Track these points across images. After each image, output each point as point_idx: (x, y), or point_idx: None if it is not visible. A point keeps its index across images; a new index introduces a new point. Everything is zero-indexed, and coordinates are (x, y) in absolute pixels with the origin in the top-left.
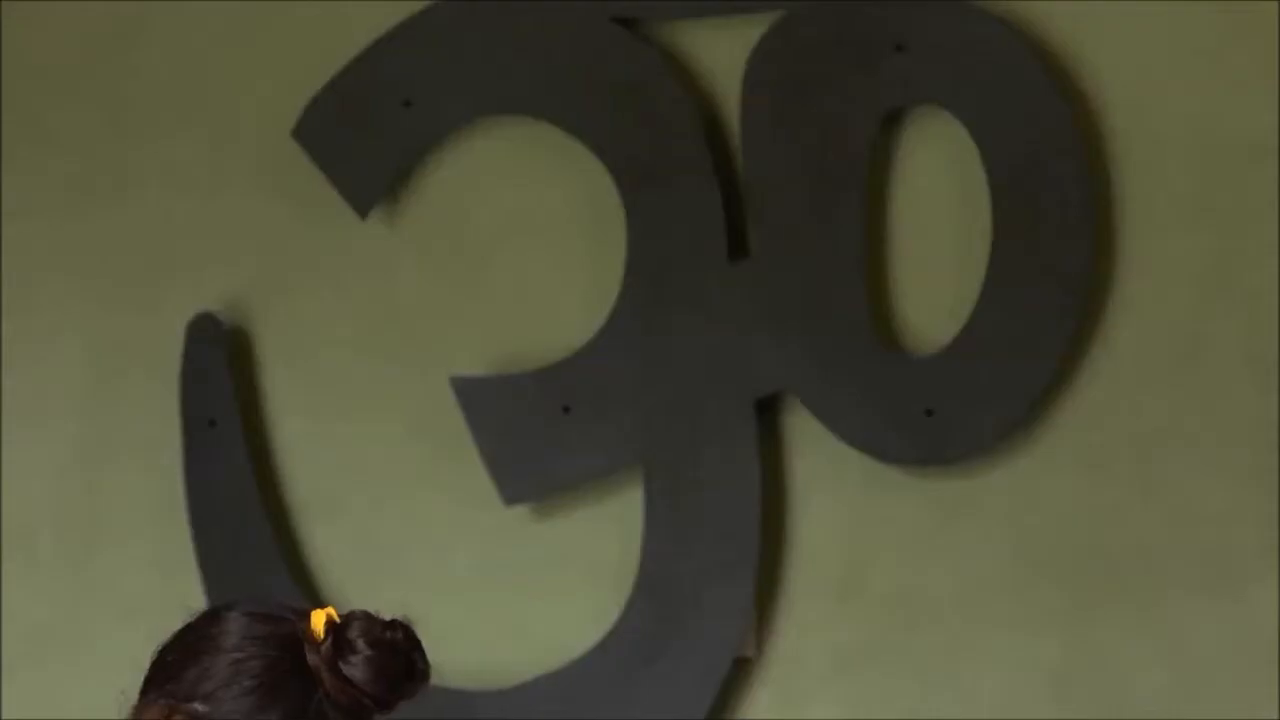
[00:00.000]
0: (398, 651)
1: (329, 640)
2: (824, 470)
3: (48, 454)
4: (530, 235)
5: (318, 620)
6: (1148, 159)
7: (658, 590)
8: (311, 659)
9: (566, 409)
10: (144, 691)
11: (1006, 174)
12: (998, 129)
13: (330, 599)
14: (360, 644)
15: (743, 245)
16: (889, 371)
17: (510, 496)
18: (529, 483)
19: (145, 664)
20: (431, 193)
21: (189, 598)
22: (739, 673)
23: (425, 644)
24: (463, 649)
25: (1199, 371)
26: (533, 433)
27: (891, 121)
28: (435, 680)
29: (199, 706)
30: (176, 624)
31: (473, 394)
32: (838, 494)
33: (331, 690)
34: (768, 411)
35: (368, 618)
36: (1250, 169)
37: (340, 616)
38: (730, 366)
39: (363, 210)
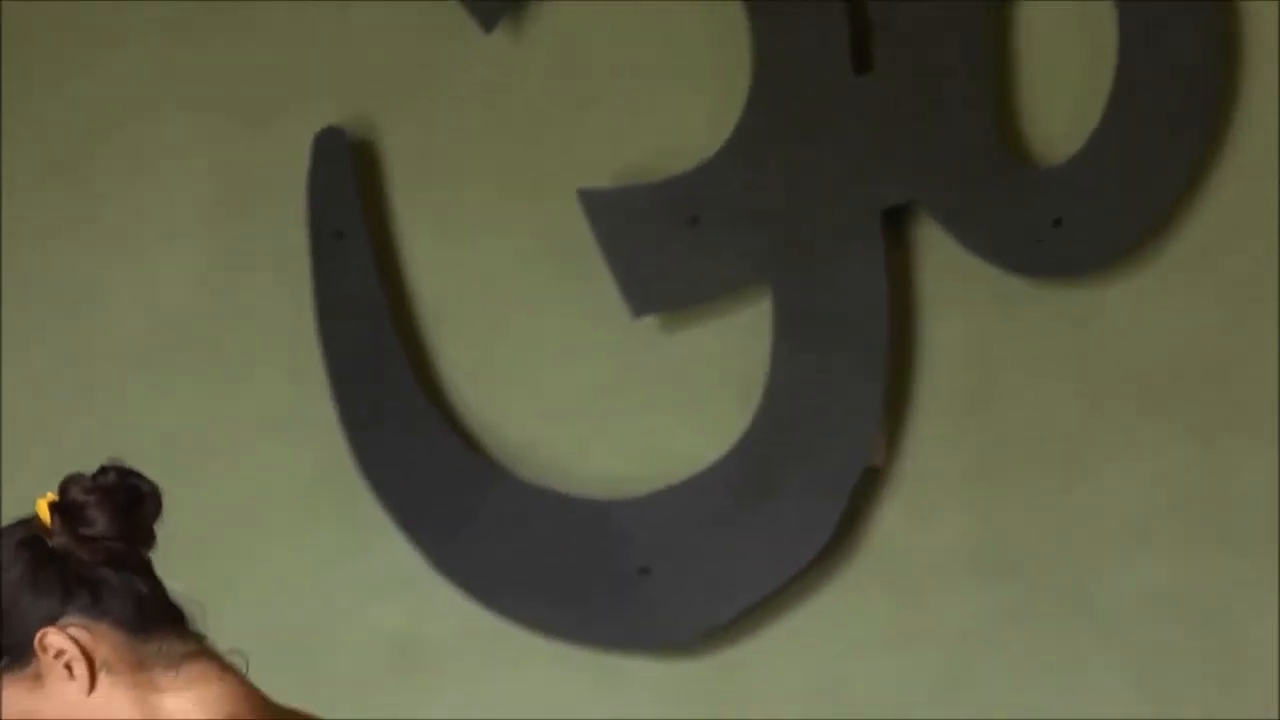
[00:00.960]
0: (116, 488)
1: (57, 517)
2: (951, 281)
3: (177, 271)
4: (656, 47)
5: (41, 508)
6: None
7: (786, 401)
8: (55, 542)
9: (694, 220)
10: None
11: None
12: None
13: (457, 410)
14: (81, 499)
15: (868, 57)
16: (1016, 182)
17: (638, 308)
18: (657, 295)
19: (278, 475)
20: (557, 5)
21: (320, 410)
22: (868, 483)
23: (556, 454)
24: (592, 460)
25: None
26: (660, 245)
27: None
28: (568, 490)
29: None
30: (308, 434)
31: (599, 206)
32: (965, 305)
33: (86, 556)
34: (895, 223)
35: (79, 477)
36: None
37: (57, 492)
38: (856, 178)
39: (488, 24)
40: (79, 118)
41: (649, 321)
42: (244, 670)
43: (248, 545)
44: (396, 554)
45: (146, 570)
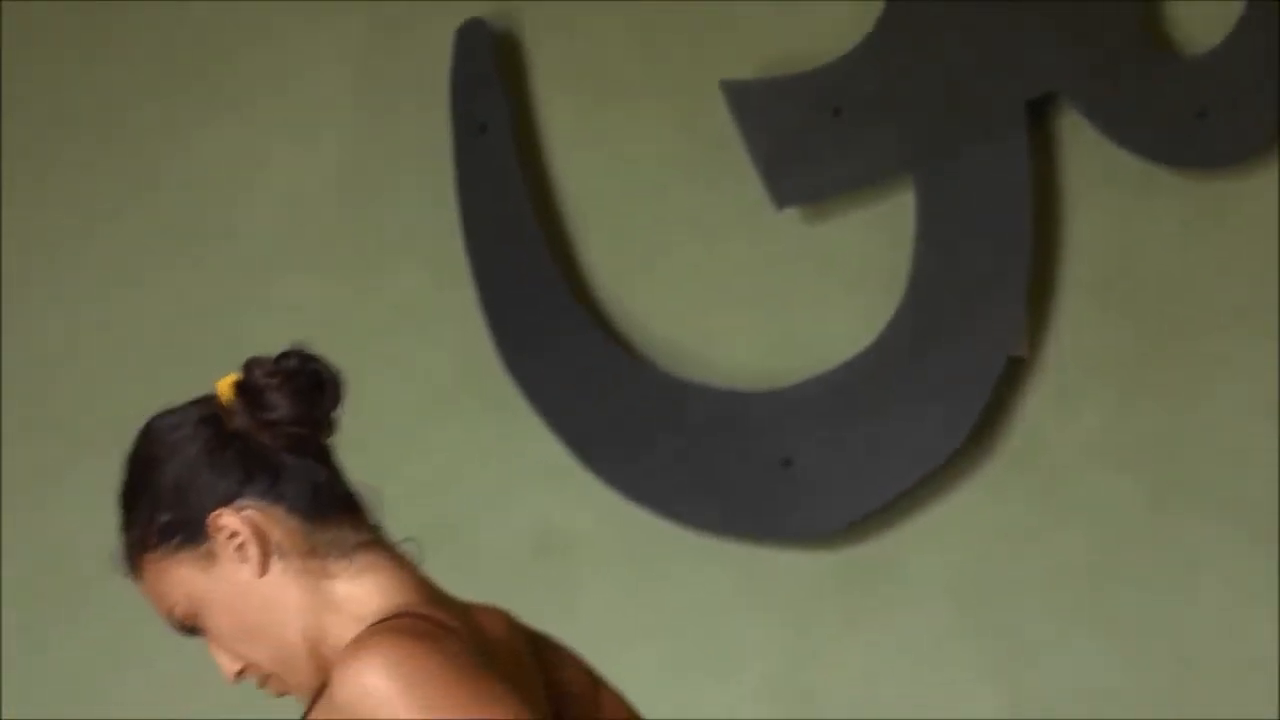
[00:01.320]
0: (299, 373)
1: (239, 399)
2: (1095, 172)
3: (322, 167)
4: None
5: (222, 388)
6: None
7: (930, 292)
8: (235, 423)
9: (837, 111)
10: (144, 548)
11: None
12: None
13: (601, 304)
14: (264, 382)
15: None
16: (1161, 72)
17: (782, 200)
18: (800, 187)
19: (422, 370)
20: None
21: (463, 305)
22: (1011, 374)
23: (700, 347)
24: (736, 352)
25: None
26: (803, 136)
27: None
28: (711, 382)
29: (175, 513)
30: (451, 328)
31: (743, 97)
32: (1108, 195)
33: (266, 439)
34: (1038, 113)
35: (261, 360)
36: None
37: (240, 372)
38: (1001, 69)
39: None
40: (224, 14)
41: (792, 213)
42: (417, 560)
43: (393, 440)
44: (541, 448)
45: (325, 458)
